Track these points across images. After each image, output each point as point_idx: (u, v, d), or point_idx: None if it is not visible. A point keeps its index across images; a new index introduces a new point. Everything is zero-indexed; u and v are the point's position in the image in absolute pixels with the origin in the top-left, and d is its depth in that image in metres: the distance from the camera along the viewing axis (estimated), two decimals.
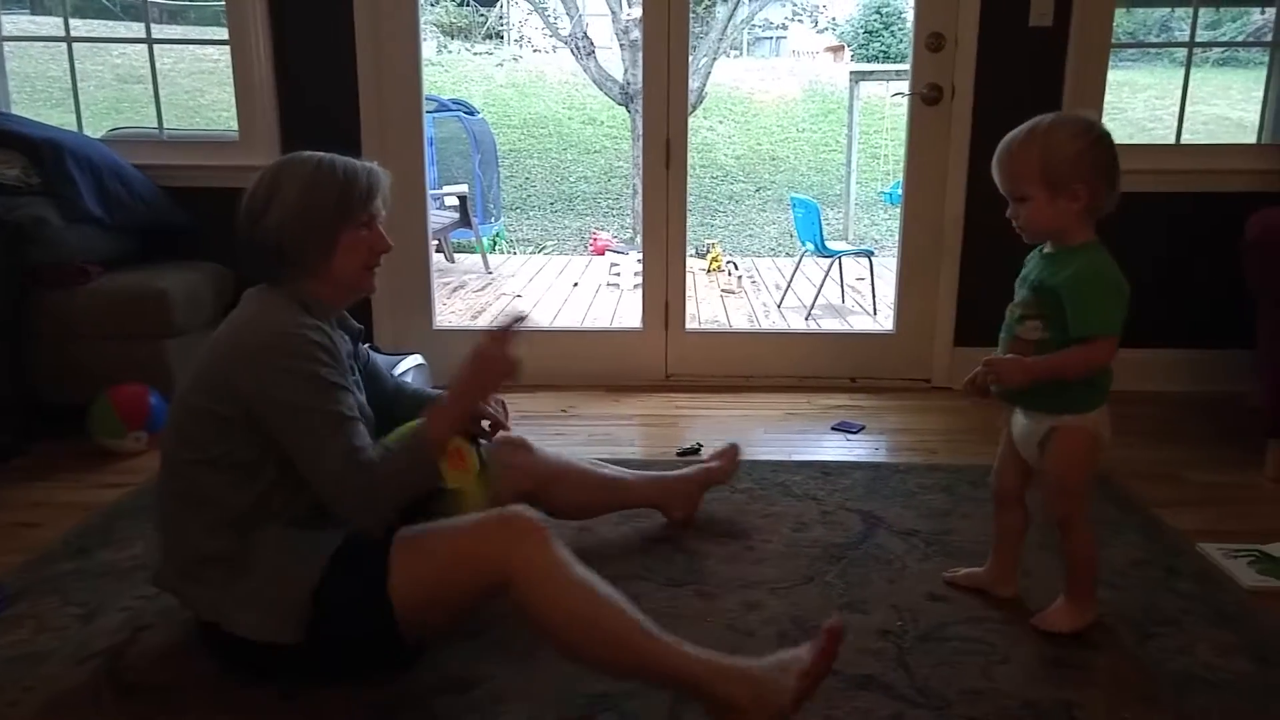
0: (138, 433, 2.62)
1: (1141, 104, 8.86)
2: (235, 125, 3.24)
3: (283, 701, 1.50)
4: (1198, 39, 3.35)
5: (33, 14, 9.46)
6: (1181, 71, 3.29)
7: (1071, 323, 1.57)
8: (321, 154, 1.56)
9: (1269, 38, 3.31)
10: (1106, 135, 1.57)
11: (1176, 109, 3.30)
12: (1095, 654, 1.66)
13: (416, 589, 1.41)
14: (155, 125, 3.44)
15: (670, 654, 1.36)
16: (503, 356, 1.62)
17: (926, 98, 3.13)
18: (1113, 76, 3.10)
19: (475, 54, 14.12)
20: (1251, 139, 3.34)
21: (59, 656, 1.64)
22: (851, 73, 9.83)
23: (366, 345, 1.79)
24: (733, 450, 2.24)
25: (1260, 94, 3.24)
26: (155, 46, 3.41)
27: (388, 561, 1.42)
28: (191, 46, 8.92)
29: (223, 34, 3.17)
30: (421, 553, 1.43)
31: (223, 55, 3.19)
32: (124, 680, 1.56)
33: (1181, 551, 2.04)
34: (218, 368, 1.47)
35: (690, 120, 3.26)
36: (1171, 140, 3.30)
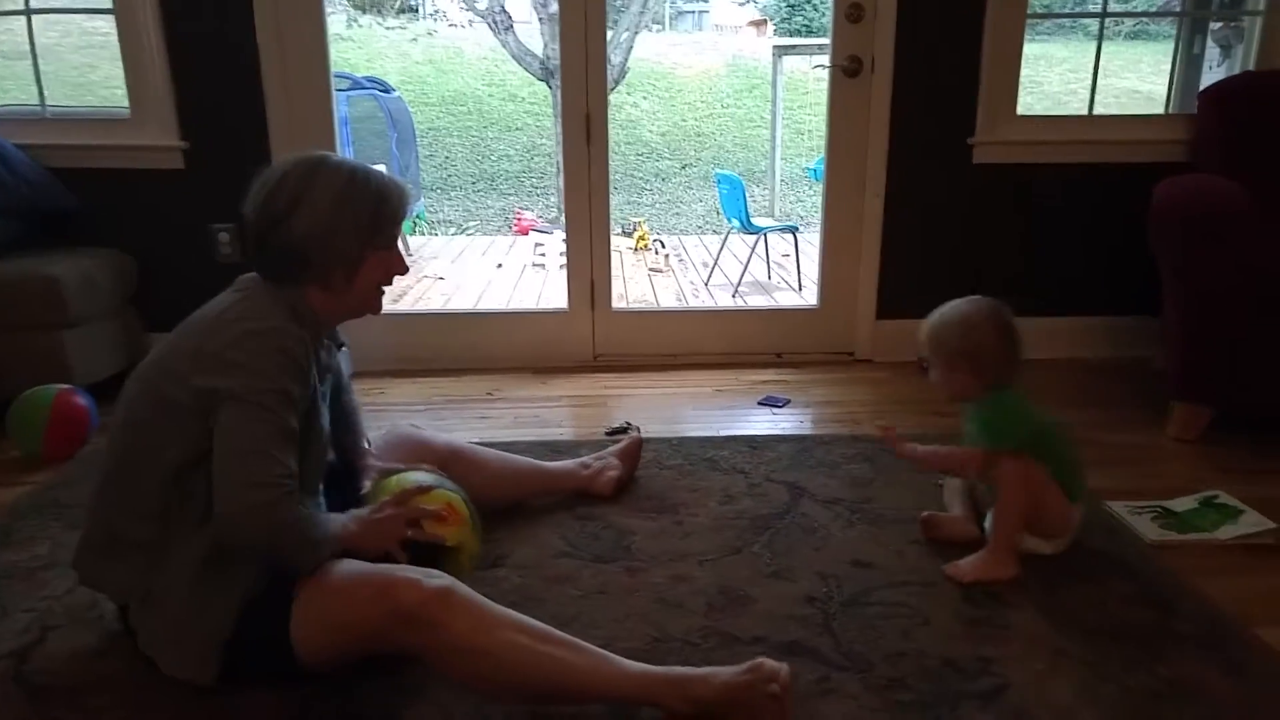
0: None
1: (1057, 77, 9.08)
2: (127, 102, 3.08)
3: (196, 698, 1.46)
4: (1109, 10, 3.44)
5: None
6: (1094, 44, 3.37)
7: (989, 442, 1.85)
8: (352, 163, 1.51)
9: (1178, 9, 3.41)
10: (985, 319, 1.86)
11: (1090, 81, 3.39)
12: (1010, 611, 1.72)
13: (318, 646, 1.41)
14: (38, 102, 3.24)
15: (598, 681, 1.37)
16: (398, 528, 1.54)
17: (847, 70, 3.14)
18: (1030, 49, 3.17)
19: (388, 29, 13.76)
20: (1159, 110, 3.44)
21: None
22: (775, 47, 9.87)
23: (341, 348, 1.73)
24: (633, 448, 2.31)
25: (1168, 66, 3.35)
26: (35, 19, 3.19)
27: (290, 615, 1.39)
28: (78, 18, 8.47)
29: (108, 2, 2.97)
30: (321, 614, 1.39)
31: (110, 28, 3.00)
32: (32, 682, 1.53)
33: (1092, 510, 2.11)
34: (185, 353, 1.42)
35: (613, 96, 3.23)
36: (1084, 111, 3.39)
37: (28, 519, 2.12)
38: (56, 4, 3.60)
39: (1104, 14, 3.41)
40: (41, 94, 3.24)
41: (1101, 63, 3.36)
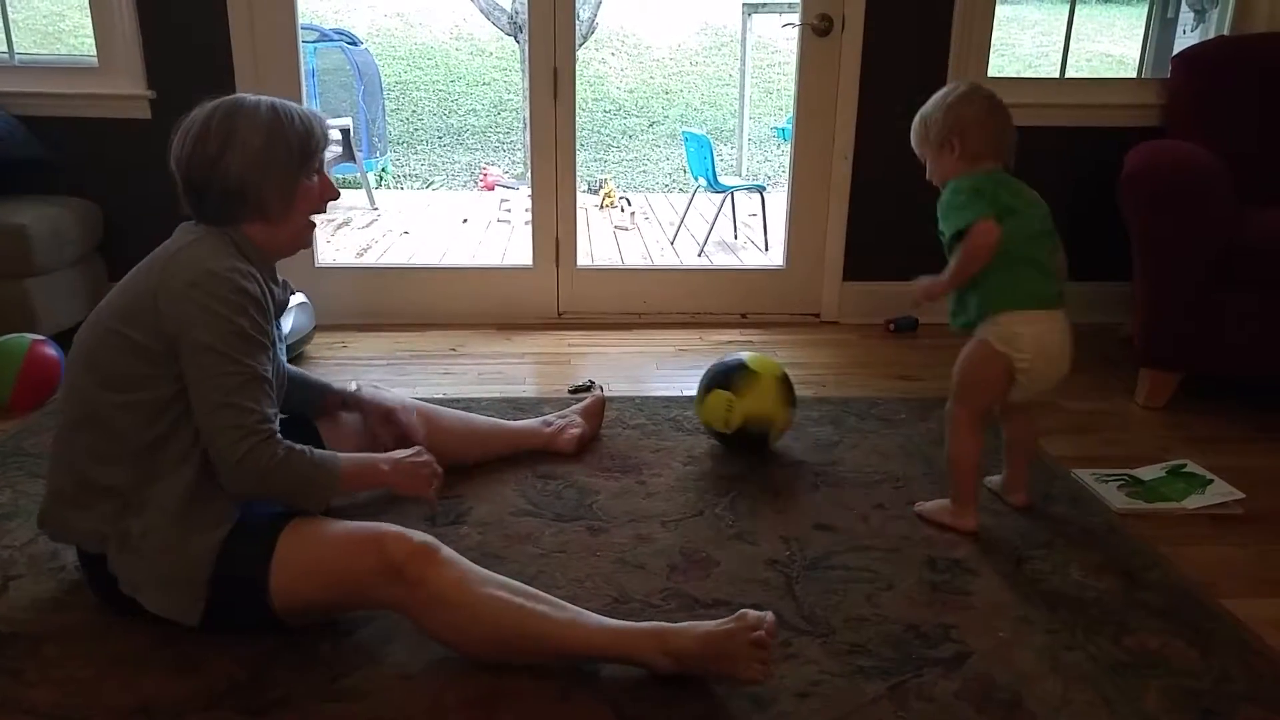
0: None
1: (1030, 40, 9.07)
2: (95, 51, 3.03)
3: (157, 649, 1.45)
4: None
5: None
6: (1067, 7, 3.33)
7: (945, 227, 1.78)
8: (269, 99, 1.53)
9: None
10: (974, 91, 1.82)
11: (1061, 44, 3.36)
12: (973, 579, 1.71)
13: (296, 595, 1.41)
14: (6, 50, 3.20)
15: (578, 637, 1.38)
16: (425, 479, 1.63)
17: (817, 28, 3.09)
18: (1002, 11, 3.13)
19: None
20: (1133, 74, 3.42)
21: None
22: (744, 5, 9.73)
23: (292, 293, 1.71)
24: (596, 406, 2.30)
25: (1142, 30, 3.33)
26: None
27: (272, 557, 1.40)
28: None
29: None
30: (305, 561, 1.41)
31: None
32: None
33: (1057, 477, 2.12)
34: (143, 297, 1.43)
35: (581, 53, 3.17)
36: (1056, 75, 3.36)
37: None
38: None
39: None
40: (10, 42, 3.20)
41: (1075, 26, 3.33)
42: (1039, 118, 3.18)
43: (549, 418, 2.24)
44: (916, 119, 1.88)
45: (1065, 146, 3.22)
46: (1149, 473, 2.13)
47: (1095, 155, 3.16)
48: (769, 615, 1.37)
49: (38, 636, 1.50)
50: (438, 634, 1.40)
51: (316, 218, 1.62)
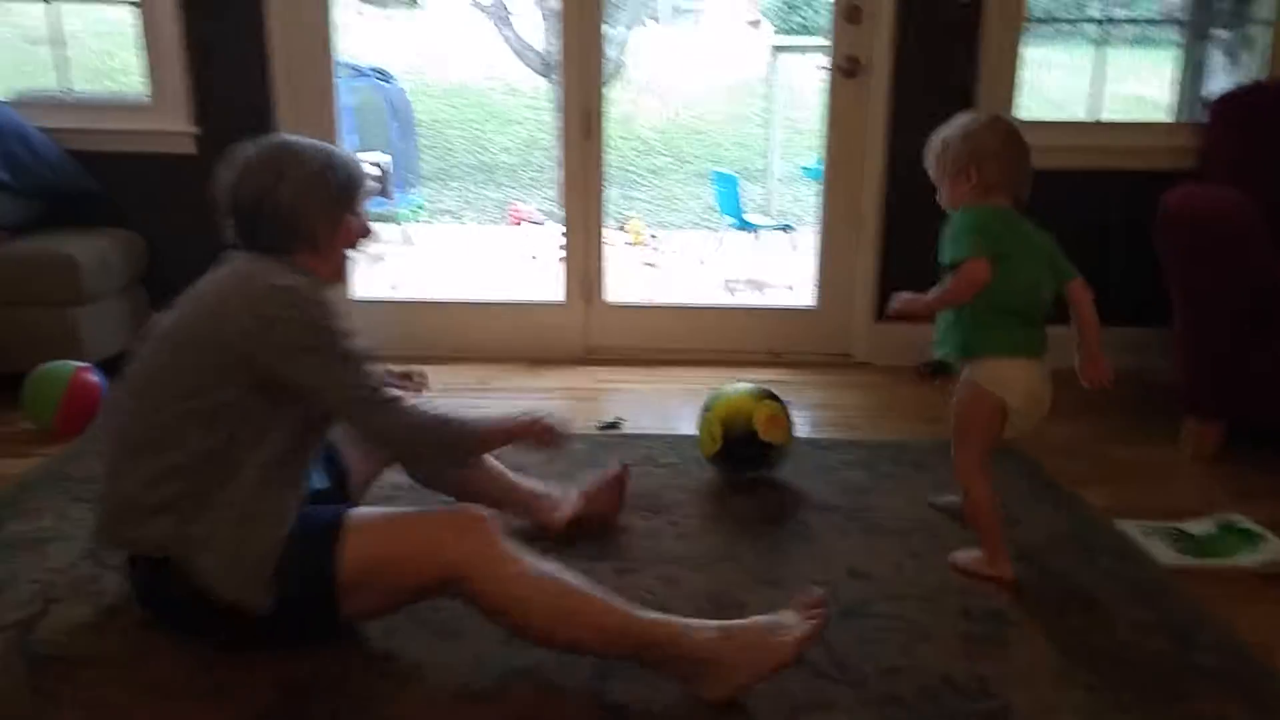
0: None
1: (1057, 82, 9.04)
2: (146, 89, 3.12)
3: (195, 676, 1.47)
4: (1111, 17, 3.39)
5: None
6: (1094, 49, 3.31)
7: (942, 255, 1.79)
8: (311, 140, 1.64)
9: (1182, 16, 3.35)
10: (996, 121, 1.83)
11: (1092, 87, 3.33)
12: (1012, 630, 1.66)
13: (362, 570, 1.43)
14: (61, 88, 3.30)
15: (631, 622, 1.41)
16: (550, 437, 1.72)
17: (844, 70, 3.10)
18: (1029, 53, 3.12)
19: (392, 20, 13.70)
20: (1166, 117, 3.39)
21: None
22: (772, 46, 9.82)
23: None
24: (610, 486, 2.03)
25: (1174, 73, 3.29)
26: (61, 7, 3.26)
27: (339, 536, 1.43)
28: (99, 7, 8.40)
29: None
30: (373, 536, 1.46)
31: (133, 17, 3.07)
32: (34, 653, 1.53)
33: (1100, 529, 2.06)
34: (213, 315, 1.48)
35: (611, 92, 3.20)
36: (1087, 118, 3.33)
37: (36, 491, 2.13)
38: None
39: (1106, 20, 3.36)
40: (66, 81, 3.30)
41: (1105, 68, 3.30)
42: (1070, 160, 3.16)
43: (548, 489, 2.01)
44: (936, 139, 1.86)
45: (1097, 190, 3.18)
46: (1198, 527, 2.04)
47: (1128, 199, 3.12)
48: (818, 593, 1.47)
49: (75, 660, 1.51)
50: (496, 609, 1.41)
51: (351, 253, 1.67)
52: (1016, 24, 3.05)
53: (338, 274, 1.65)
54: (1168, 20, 4.12)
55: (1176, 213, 2.49)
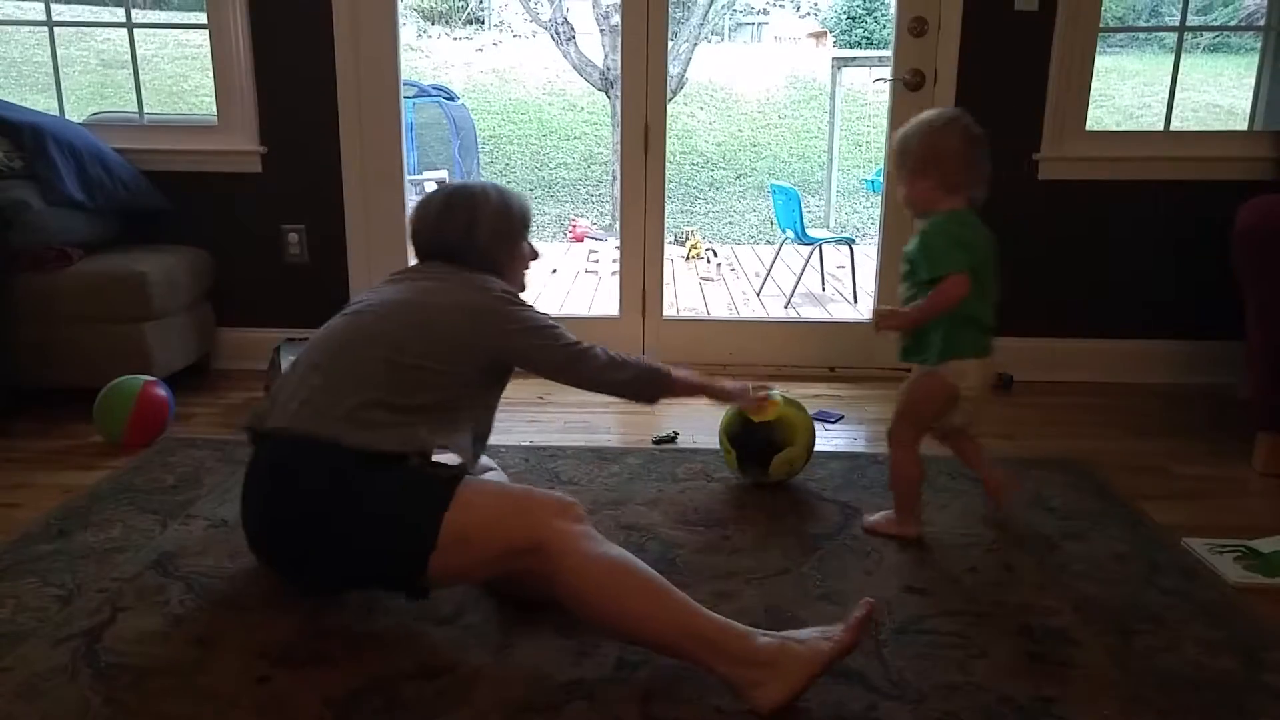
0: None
1: (1130, 90, 8.79)
2: (215, 110, 3.23)
3: (253, 687, 1.49)
4: (1189, 23, 3.32)
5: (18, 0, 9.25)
6: (1171, 57, 3.24)
7: (922, 268, 1.88)
8: (486, 183, 1.98)
9: (1261, 22, 3.25)
10: (956, 124, 1.89)
11: (1166, 95, 3.25)
12: (1076, 650, 1.62)
13: (462, 523, 1.52)
14: (137, 110, 3.42)
15: (699, 618, 1.44)
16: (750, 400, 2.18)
17: (909, 83, 3.08)
18: (1100, 62, 3.06)
19: (455, 39, 13.96)
20: (1243, 126, 3.29)
21: (37, 637, 1.63)
22: (834, 59, 9.77)
23: None
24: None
25: (1252, 80, 3.20)
26: (136, 32, 3.39)
27: (455, 490, 1.55)
28: (173, 31, 8.77)
29: (203, 19, 3.16)
30: (481, 495, 1.58)
31: (204, 40, 3.19)
32: (101, 661, 1.56)
33: (1166, 546, 2.01)
34: (460, 315, 1.76)
35: (670, 106, 3.21)
36: (1160, 127, 3.26)
37: (105, 502, 2.19)
38: (158, 19, 3.79)
39: (1183, 28, 3.27)
40: (140, 102, 3.42)
41: (1179, 76, 3.22)
42: (1143, 172, 3.10)
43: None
44: (897, 140, 1.93)
45: (1172, 201, 3.11)
46: (1268, 544, 1.99)
47: (1203, 209, 3.04)
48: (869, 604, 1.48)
49: (141, 669, 1.54)
50: (567, 585, 1.47)
51: None
52: (1090, 32, 3.00)
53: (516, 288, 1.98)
54: (1247, 26, 4.00)
55: (1252, 224, 2.42)
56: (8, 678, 1.51)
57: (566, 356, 1.85)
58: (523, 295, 1.91)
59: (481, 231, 1.90)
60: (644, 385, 1.97)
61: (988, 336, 1.95)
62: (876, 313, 2.02)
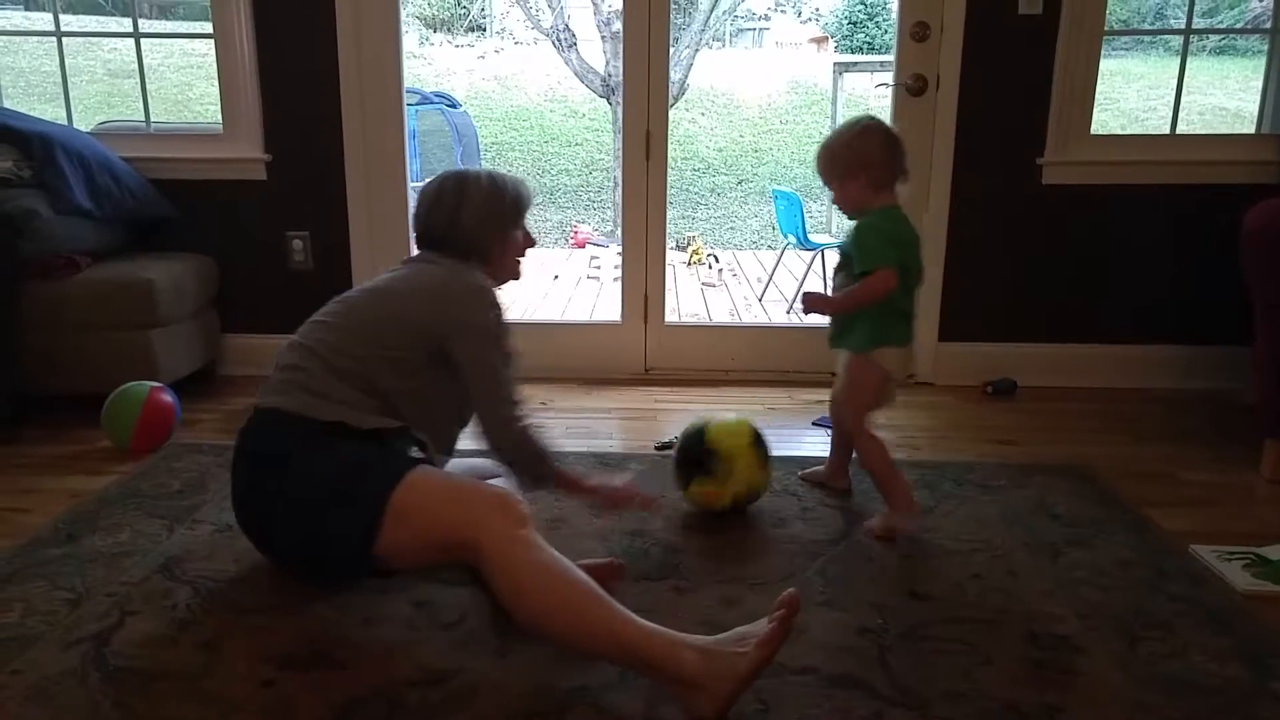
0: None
1: (1135, 94, 8.76)
2: (220, 118, 3.24)
3: (258, 691, 1.49)
4: (1194, 26, 3.31)
5: (26, 10, 9.31)
6: (1177, 60, 3.23)
7: (856, 262, 2.03)
8: (486, 169, 1.95)
9: (1268, 25, 3.24)
10: (877, 127, 2.05)
11: (1171, 99, 3.25)
12: (1081, 657, 1.61)
13: (405, 504, 1.56)
14: (143, 119, 3.44)
15: (628, 628, 1.42)
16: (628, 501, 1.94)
17: (911, 88, 3.07)
18: (1105, 65, 3.06)
19: (457, 46, 13.98)
20: (1249, 129, 3.29)
21: (47, 640, 1.64)
22: (835, 64, 9.77)
23: None
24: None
25: (1259, 83, 3.18)
26: (143, 41, 3.41)
27: (407, 472, 1.59)
28: (179, 41, 8.80)
29: (209, 28, 3.17)
30: (429, 480, 1.60)
31: (209, 49, 3.20)
32: (109, 664, 1.57)
33: (1172, 553, 2.00)
34: (430, 295, 1.78)
35: (671, 112, 3.21)
36: (1166, 131, 3.25)
37: (113, 507, 2.20)
38: (164, 29, 3.82)
39: (1189, 30, 3.27)
40: (147, 111, 3.43)
41: (1185, 79, 3.22)
42: (1149, 175, 3.09)
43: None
44: (823, 150, 2.07)
45: (1177, 205, 3.11)
46: (1277, 552, 1.97)
47: (1209, 214, 3.04)
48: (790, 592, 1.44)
49: (149, 672, 1.54)
50: (511, 585, 1.47)
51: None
52: (1095, 36, 3.00)
53: (506, 279, 1.96)
54: (1254, 29, 3.99)
55: (1260, 227, 2.41)
56: (18, 680, 1.52)
57: (498, 396, 1.77)
58: (506, 304, 1.83)
59: (467, 215, 1.87)
60: (530, 465, 1.81)
61: (911, 326, 2.11)
62: (805, 295, 2.16)
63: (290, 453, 1.64)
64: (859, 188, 2.04)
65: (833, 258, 6.27)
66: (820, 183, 2.12)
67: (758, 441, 2.12)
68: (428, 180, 1.95)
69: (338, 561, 1.67)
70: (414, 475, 1.59)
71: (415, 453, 1.76)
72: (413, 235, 1.97)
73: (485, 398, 1.77)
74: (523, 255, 1.99)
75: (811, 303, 2.15)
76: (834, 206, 2.18)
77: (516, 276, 1.99)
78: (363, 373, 1.72)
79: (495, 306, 1.81)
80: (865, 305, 2.04)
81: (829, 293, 2.18)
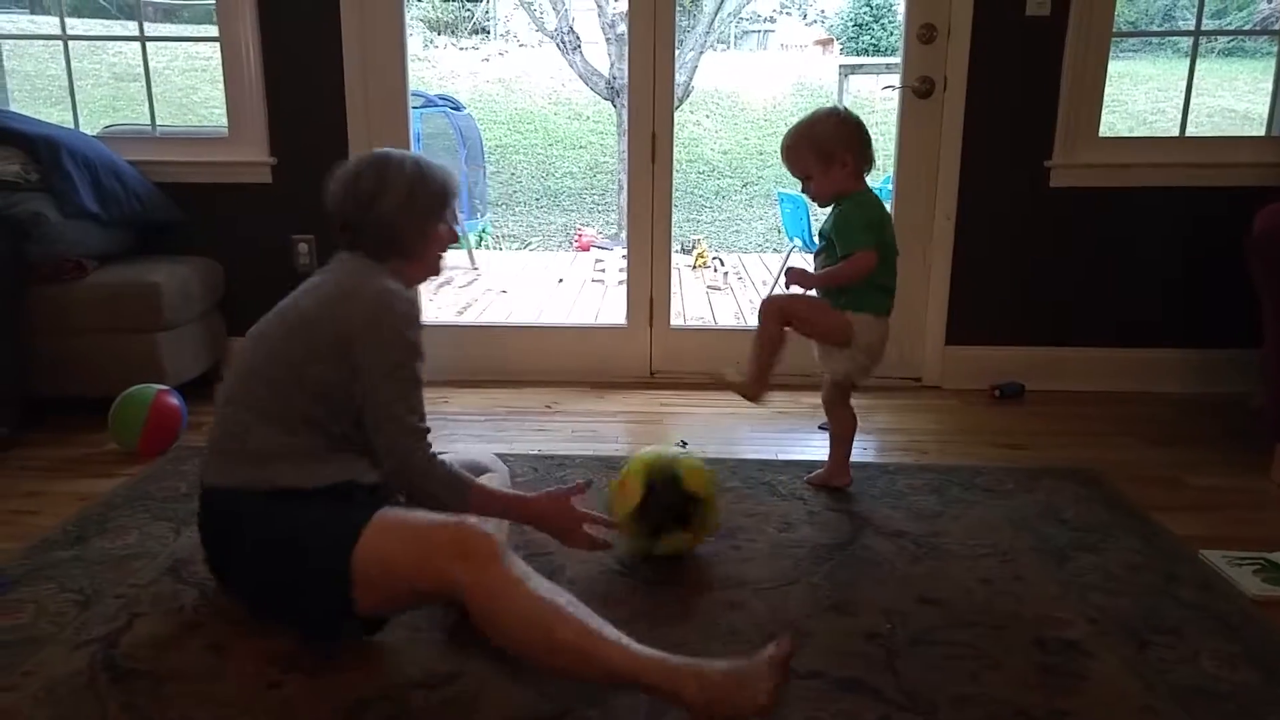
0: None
1: (1144, 96, 8.71)
2: (225, 121, 3.24)
3: (265, 693, 1.50)
4: (1203, 28, 3.29)
5: (31, 13, 9.34)
6: (1186, 62, 3.22)
7: (838, 246, 2.12)
8: (411, 154, 1.79)
9: (1277, 26, 3.23)
10: (851, 115, 2.15)
11: (1180, 101, 3.23)
12: (1091, 662, 1.60)
13: (368, 564, 1.47)
14: (149, 122, 3.44)
15: (623, 657, 1.37)
16: (576, 529, 1.78)
17: (918, 91, 3.07)
18: (1113, 68, 3.04)
19: (461, 49, 13.99)
20: (1259, 131, 3.27)
21: (57, 641, 1.66)
22: (841, 66, 9.75)
23: None
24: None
25: (1269, 85, 3.17)
26: (149, 45, 3.40)
27: (360, 530, 1.49)
28: (185, 44, 8.83)
29: (214, 31, 3.17)
30: (383, 535, 1.49)
31: (214, 52, 3.20)
32: (118, 666, 1.58)
33: (1182, 558, 1.98)
34: (332, 304, 1.64)
35: (676, 115, 3.21)
36: (1175, 133, 3.24)
37: (121, 509, 2.21)
38: (170, 32, 3.82)
39: (1198, 32, 3.26)
40: (153, 114, 3.43)
41: (1195, 81, 3.20)
42: (1158, 178, 3.08)
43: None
44: (799, 140, 2.12)
45: (1186, 207, 3.09)
46: None
47: (1218, 216, 3.02)
48: (788, 637, 1.40)
49: (157, 674, 1.55)
50: (490, 622, 1.41)
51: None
52: (1103, 37, 2.99)
53: (425, 277, 1.83)
54: (1263, 30, 3.98)
55: (1269, 229, 2.40)
56: (28, 682, 1.53)
57: (400, 424, 1.61)
58: (419, 310, 1.70)
59: (386, 203, 1.70)
60: (436, 500, 1.64)
61: (891, 299, 2.19)
62: (789, 270, 2.21)
63: (245, 535, 1.57)
64: (845, 175, 2.10)
65: None
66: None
67: (713, 481, 1.95)
68: (349, 161, 1.79)
69: (325, 631, 1.61)
70: (368, 536, 1.48)
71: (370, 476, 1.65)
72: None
73: (384, 423, 1.62)
74: (445, 250, 1.85)
75: (795, 277, 2.20)
76: (805, 195, 2.21)
77: (437, 273, 1.84)
78: (295, 413, 1.61)
79: (405, 316, 1.65)
80: (845, 283, 2.13)
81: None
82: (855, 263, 2.09)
